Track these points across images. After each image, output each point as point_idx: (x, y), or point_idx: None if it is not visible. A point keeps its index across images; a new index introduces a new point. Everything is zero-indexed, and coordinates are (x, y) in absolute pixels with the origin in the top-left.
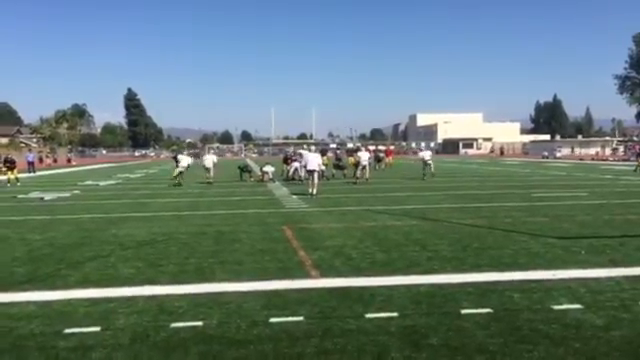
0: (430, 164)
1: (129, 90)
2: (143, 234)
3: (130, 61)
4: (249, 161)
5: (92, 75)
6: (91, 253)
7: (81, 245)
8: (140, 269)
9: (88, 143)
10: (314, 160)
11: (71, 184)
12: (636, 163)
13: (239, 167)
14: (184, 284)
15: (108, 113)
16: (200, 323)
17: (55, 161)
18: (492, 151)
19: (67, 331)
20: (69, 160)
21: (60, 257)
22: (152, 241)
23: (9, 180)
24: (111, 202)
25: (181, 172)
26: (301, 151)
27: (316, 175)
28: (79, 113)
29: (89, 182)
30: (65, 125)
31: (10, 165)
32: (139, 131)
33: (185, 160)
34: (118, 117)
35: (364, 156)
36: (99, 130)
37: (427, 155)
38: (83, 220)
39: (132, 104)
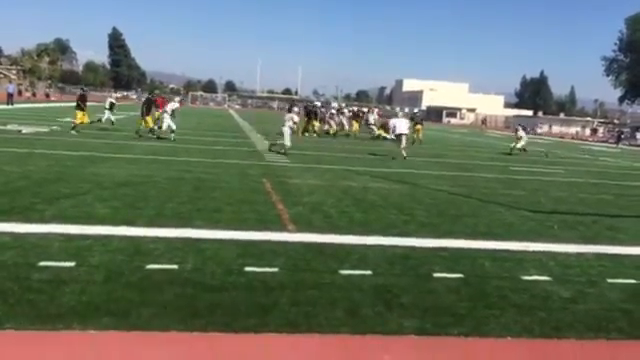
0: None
1: (114, 29)
2: (122, 175)
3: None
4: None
5: (77, 10)
6: (68, 190)
7: (58, 181)
8: (117, 209)
9: (69, 80)
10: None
11: (50, 119)
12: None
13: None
14: (161, 227)
15: (91, 51)
16: (175, 266)
17: (34, 95)
18: (483, 122)
19: (41, 264)
20: (47, 95)
21: (37, 191)
22: (131, 183)
23: (82, 122)
24: (91, 141)
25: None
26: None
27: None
28: (61, 48)
29: (69, 119)
30: (46, 59)
31: (81, 102)
32: (122, 72)
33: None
34: (102, 56)
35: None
36: (81, 68)
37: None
38: (61, 156)
39: (117, 44)
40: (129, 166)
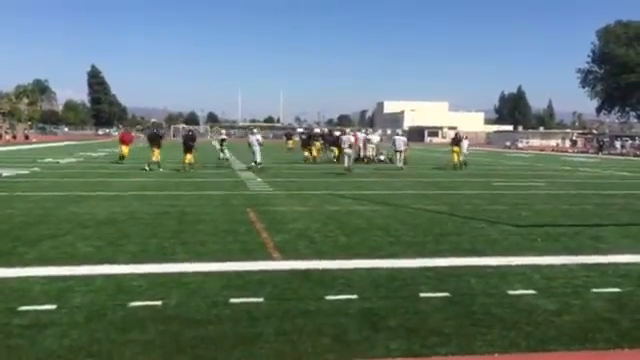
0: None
1: (93, 67)
2: (104, 213)
3: (95, 38)
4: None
5: (55, 50)
6: (49, 231)
7: (39, 223)
8: (99, 248)
9: (49, 120)
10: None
11: (30, 161)
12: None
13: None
14: (144, 263)
15: (71, 90)
16: (159, 303)
17: (14, 137)
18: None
19: (22, 308)
20: (27, 137)
21: (17, 234)
22: (113, 220)
23: (150, 164)
24: (72, 180)
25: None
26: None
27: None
28: (40, 89)
29: (49, 159)
30: (25, 101)
31: (155, 142)
32: (102, 109)
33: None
34: (81, 94)
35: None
36: (61, 107)
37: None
38: (42, 198)
39: (96, 81)
40: (110, 203)
